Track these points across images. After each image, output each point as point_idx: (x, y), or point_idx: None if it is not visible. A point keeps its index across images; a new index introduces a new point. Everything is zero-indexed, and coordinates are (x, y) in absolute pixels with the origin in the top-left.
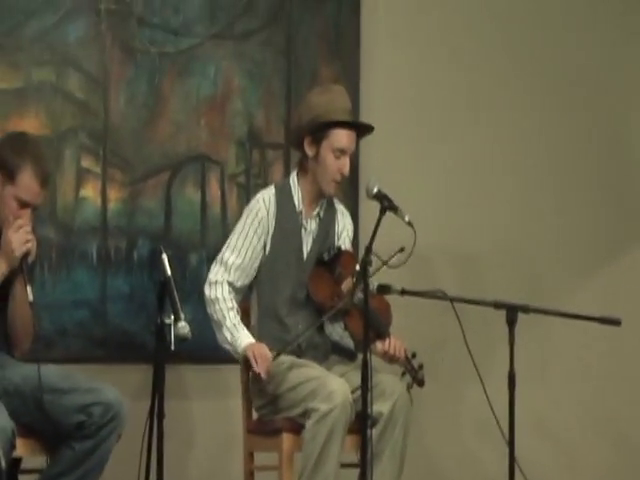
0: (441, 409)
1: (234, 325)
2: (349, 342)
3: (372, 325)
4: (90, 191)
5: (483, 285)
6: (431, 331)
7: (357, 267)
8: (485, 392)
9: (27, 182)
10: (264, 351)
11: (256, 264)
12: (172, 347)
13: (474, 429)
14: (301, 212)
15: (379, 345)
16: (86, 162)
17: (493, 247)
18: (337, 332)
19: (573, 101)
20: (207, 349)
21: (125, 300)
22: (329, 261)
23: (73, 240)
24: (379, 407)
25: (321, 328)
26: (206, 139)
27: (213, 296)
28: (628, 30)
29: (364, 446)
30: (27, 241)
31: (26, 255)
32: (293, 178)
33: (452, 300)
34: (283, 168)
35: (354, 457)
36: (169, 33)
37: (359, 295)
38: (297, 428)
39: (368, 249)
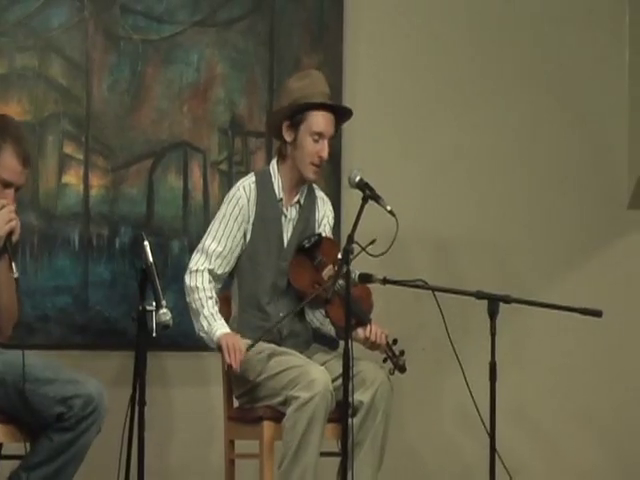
0: (422, 398)
1: (211, 314)
2: (330, 329)
3: (353, 312)
4: (72, 177)
5: (462, 274)
6: (411, 319)
7: (339, 256)
8: (466, 381)
9: (9, 162)
10: (238, 342)
11: (237, 252)
12: (154, 334)
13: (454, 418)
14: (281, 200)
15: (360, 332)
16: (68, 148)
17: (472, 237)
18: (318, 319)
19: (555, 94)
20: (188, 336)
21: (107, 287)
22: (310, 248)
23: (55, 226)
24: (360, 396)
25: (302, 316)
26: (188, 126)
27: (193, 284)
28: (610, 28)
29: (345, 435)
30: (11, 220)
31: (10, 234)
32: (273, 166)
33: (434, 290)
34: (265, 156)
35: (335, 446)
36: (152, 20)
37: (340, 282)
38: (278, 416)
39: (350, 238)
